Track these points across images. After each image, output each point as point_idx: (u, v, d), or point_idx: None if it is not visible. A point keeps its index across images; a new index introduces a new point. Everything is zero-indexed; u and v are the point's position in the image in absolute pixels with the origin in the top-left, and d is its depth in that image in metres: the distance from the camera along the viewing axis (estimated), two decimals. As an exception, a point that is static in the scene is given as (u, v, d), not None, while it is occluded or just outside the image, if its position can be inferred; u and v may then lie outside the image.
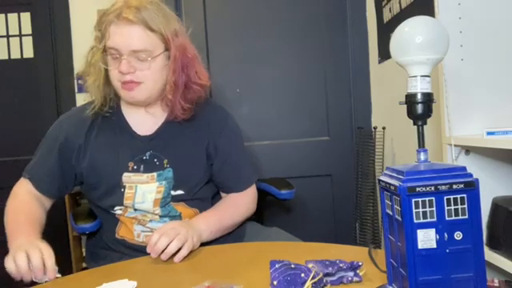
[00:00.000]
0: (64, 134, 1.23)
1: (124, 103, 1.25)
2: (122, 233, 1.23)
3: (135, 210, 1.21)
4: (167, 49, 1.16)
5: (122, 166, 1.20)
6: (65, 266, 2.28)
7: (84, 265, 2.29)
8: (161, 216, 1.22)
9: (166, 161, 1.21)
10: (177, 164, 1.21)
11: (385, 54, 2.05)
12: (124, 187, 1.19)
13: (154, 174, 1.20)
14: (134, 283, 0.88)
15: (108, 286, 0.88)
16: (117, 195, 1.20)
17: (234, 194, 1.31)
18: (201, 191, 1.26)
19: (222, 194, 1.34)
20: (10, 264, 0.98)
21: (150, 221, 1.22)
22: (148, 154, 1.21)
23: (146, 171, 1.20)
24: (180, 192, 1.22)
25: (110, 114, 1.24)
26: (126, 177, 1.19)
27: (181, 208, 1.23)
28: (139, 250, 1.19)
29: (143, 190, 1.19)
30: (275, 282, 0.79)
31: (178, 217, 1.23)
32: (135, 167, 1.20)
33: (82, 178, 1.24)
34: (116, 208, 1.21)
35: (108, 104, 1.23)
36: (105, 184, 1.21)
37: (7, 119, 2.46)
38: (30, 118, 2.45)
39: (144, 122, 1.24)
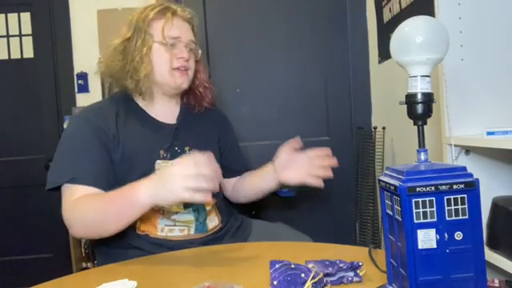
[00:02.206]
0: (94, 125, 1.20)
1: (149, 92, 1.28)
2: (143, 228, 1.22)
3: None
4: None
5: (155, 154, 1.23)
6: (65, 265, 2.29)
7: (84, 265, 2.29)
8: (185, 206, 1.23)
9: (187, 148, 1.28)
10: (199, 151, 1.25)
11: (385, 54, 2.05)
12: None
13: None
14: (134, 283, 0.88)
15: (108, 285, 0.88)
16: None
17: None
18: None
19: (231, 183, 1.47)
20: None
21: (176, 213, 1.22)
22: (173, 142, 1.26)
23: (171, 158, 1.24)
24: None
25: (129, 107, 1.27)
26: (158, 164, 1.22)
27: None
28: (161, 245, 1.19)
29: None
30: (275, 282, 0.79)
31: (202, 206, 1.26)
32: (165, 155, 1.24)
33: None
34: None
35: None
36: (137, 173, 1.17)
37: (7, 119, 2.46)
38: (30, 118, 2.45)
39: (163, 112, 1.30)
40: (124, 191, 1.05)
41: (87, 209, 1.09)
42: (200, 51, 1.35)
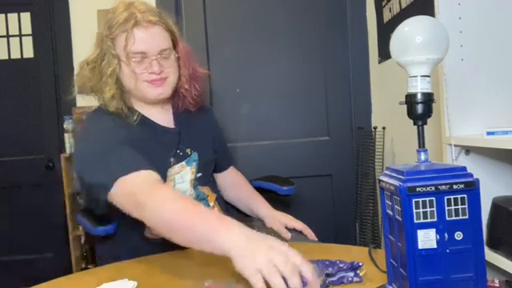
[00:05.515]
0: (117, 121, 1.18)
1: (137, 103, 1.25)
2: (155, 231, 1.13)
3: None
4: (174, 45, 1.24)
5: (166, 164, 1.22)
6: (65, 265, 2.29)
7: (84, 265, 2.29)
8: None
9: (188, 149, 1.26)
10: (199, 149, 1.29)
11: (385, 54, 2.05)
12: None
13: (183, 162, 1.25)
14: (134, 283, 0.88)
15: (108, 285, 0.88)
16: None
17: (234, 172, 1.52)
18: (212, 176, 1.38)
19: (221, 178, 1.47)
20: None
21: None
22: (178, 146, 1.25)
23: (176, 163, 1.24)
24: (200, 174, 1.28)
25: (128, 117, 1.22)
26: (168, 172, 1.21)
27: (206, 191, 1.29)
28: (166, 245, 1.08)
29: (180, 175, 1.24)
30: (275, 282, 0.78)
31: (205, 200, 1.27)
32: (175, 162, 1.23)
33: None
34: None
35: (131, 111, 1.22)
36: None
37: (7, 119, 2.45)
38: (30, 118, 2.44)
39: (161, 117, 1.27)
40: (213, 215, 0.91)
41: (172, 200, 0.94)
42: (176, 55, 1.23)
